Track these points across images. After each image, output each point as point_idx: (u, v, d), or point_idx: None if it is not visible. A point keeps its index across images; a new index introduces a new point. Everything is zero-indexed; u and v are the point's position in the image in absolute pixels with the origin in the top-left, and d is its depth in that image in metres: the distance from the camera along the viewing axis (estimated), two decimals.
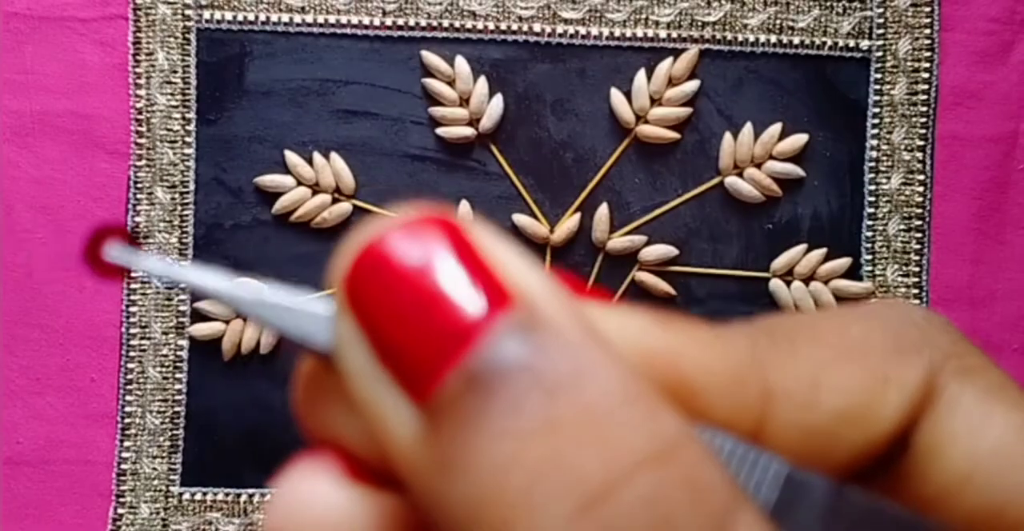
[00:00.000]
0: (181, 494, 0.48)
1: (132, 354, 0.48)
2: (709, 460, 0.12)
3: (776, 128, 0.49)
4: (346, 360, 0.13)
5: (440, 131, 0.48)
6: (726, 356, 0.14)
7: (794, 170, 0.49)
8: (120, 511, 0.48)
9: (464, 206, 0.48)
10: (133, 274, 0.40)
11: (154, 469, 0.48)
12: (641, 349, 0.13)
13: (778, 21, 0.49)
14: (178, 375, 0.48)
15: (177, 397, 0.48)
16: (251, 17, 0.48)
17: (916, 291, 0.49)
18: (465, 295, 0.12)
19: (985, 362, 0.15)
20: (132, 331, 0.48)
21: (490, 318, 0.12)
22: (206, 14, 0.48)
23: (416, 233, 0.12)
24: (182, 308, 0.48)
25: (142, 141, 0.48)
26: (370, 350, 0.12)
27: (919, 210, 0.49)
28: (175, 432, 0.48)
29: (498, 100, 0.48)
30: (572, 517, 0.11)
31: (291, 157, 0.48)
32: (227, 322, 0.48)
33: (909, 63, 0.49)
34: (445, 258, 0.12)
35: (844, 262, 0.49)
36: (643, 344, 0.13)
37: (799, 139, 0.49)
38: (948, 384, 0.14)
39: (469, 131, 0.48)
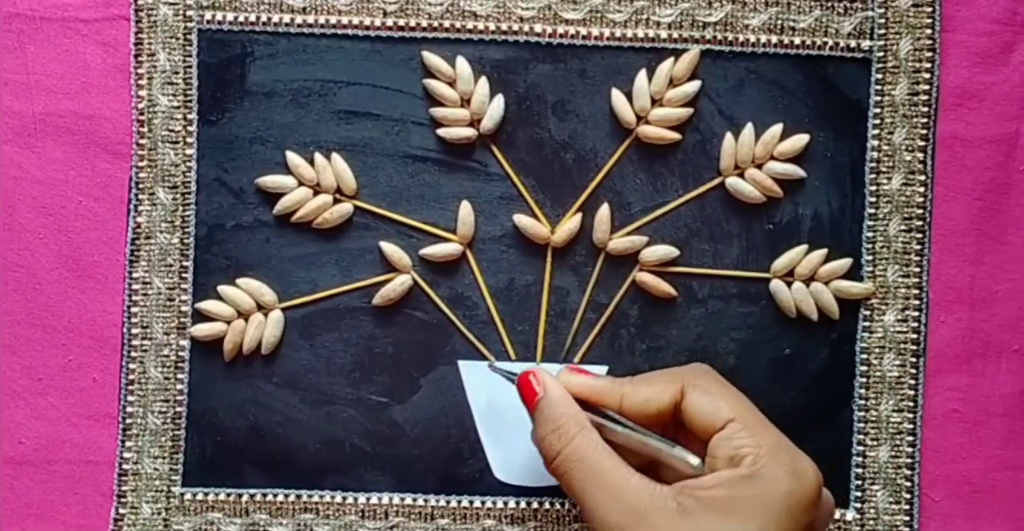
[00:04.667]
0: (183, 494, 0.49)
1: (134, 354, 0.49)
2: (582, 421, 0.41)
3: (777, 128, 0.49)
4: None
5: (441, 132, 0.49)
6: (610, 386, 0.42)
7: (795, 170, 0.49)
8: (122, 511, 0.48)
9: (465, 206, 0.49)
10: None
11: (156, 469, 0.49)
12: (582, 388, 0.43)
13: (779, 21, 0.49)
14: (179, 375, 0.49)
15: (179, 397, 0.49)
16: (252, 18, 0.48)
17: (916, 292, 0.49)
18: (534, 390, 0.43)
19: (706, 379, 0.42)
20: (134, 331, 0.49)
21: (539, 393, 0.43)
22: (207, 15, 0.48)
23: (527, 377, 0.43)
24: (183, 308, 0.49)
25: (144, 142, 0.48)
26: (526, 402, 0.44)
27: (920, 211, 0.49)
28: (176, 432, 0.49)
29: (499, 101, 0.48)
30: (544, 436, 0.41)
31: (292, 158, 0.48)
32: (228, 323, 0.49)
33: (910, 64, 0.49)
34: (532, 383, 0.43)
35: (845, 263, 0.49)
36: (584, 386, 0.43)
37: (800, 139, 0.49)
38: (689, 389, 0.41)
39: (470, 132, 0.49)
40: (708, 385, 0.41)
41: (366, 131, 0.49)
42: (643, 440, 0.40)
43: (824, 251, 0.49)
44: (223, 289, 0.49)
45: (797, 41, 0.49)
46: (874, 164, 0.49)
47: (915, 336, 0.49)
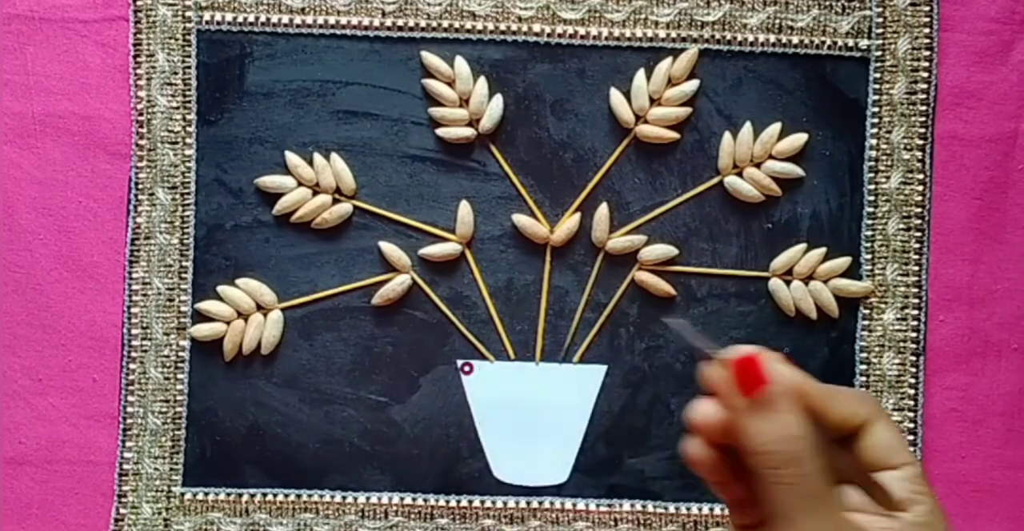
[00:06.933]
0: (183, 494, 0.49)
1: (134, 354, 0.49)
2: (812, 444, 0.34)
3: (775, 127, 0.49)
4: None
5: (440, 131, 0.49)
6: (821, 392, 0.35)
7: (793, 169, 0.49)
8: (122, 511, 0.48)
9: (464, 206, 0.49)
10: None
11: (156, 469, 0.49)
12: (800, 387, 0.34)
13: (777, 21, 0.49)
14: (179, 375, 0.49)
15: (179, 397, 0.49)
16: (251, 18, 0.49)
17: (915, 290, 0.49)
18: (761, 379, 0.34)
19: (882, 422, 0.37)
20: (134, 331, 0.49)
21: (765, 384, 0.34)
22: (206, 15, 0.49)
23: (753, 362, 0.34)
24: (183, 309, 0.49)
25: (143, 142, 0.49)
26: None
27: (918, 209, 0.49)
28: (176, 432, 0.49)
29: (498, 100, 0.48)
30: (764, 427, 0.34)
31: (291, 158, 0.48)
32: (228, 323, 0.49)
33: (908, 63, 0.49)
34: (760, 372, 0.34)
35: (844, 261, 0.49)
36: (796, 380, 0.34)
37: (798, 138, 0.49)
38: (879, 419, 0.36)
39: (469, 131, 0.49)
40: (890, 422, 0.39)
41: (365, 131, 0.49)
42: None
43: (823, 250, 0.49)
44: (223, 289, 0.49)
45: (795, 40, 0.49)
46: (873, 163, 0.49)
47: (914, 335, 0.49)
